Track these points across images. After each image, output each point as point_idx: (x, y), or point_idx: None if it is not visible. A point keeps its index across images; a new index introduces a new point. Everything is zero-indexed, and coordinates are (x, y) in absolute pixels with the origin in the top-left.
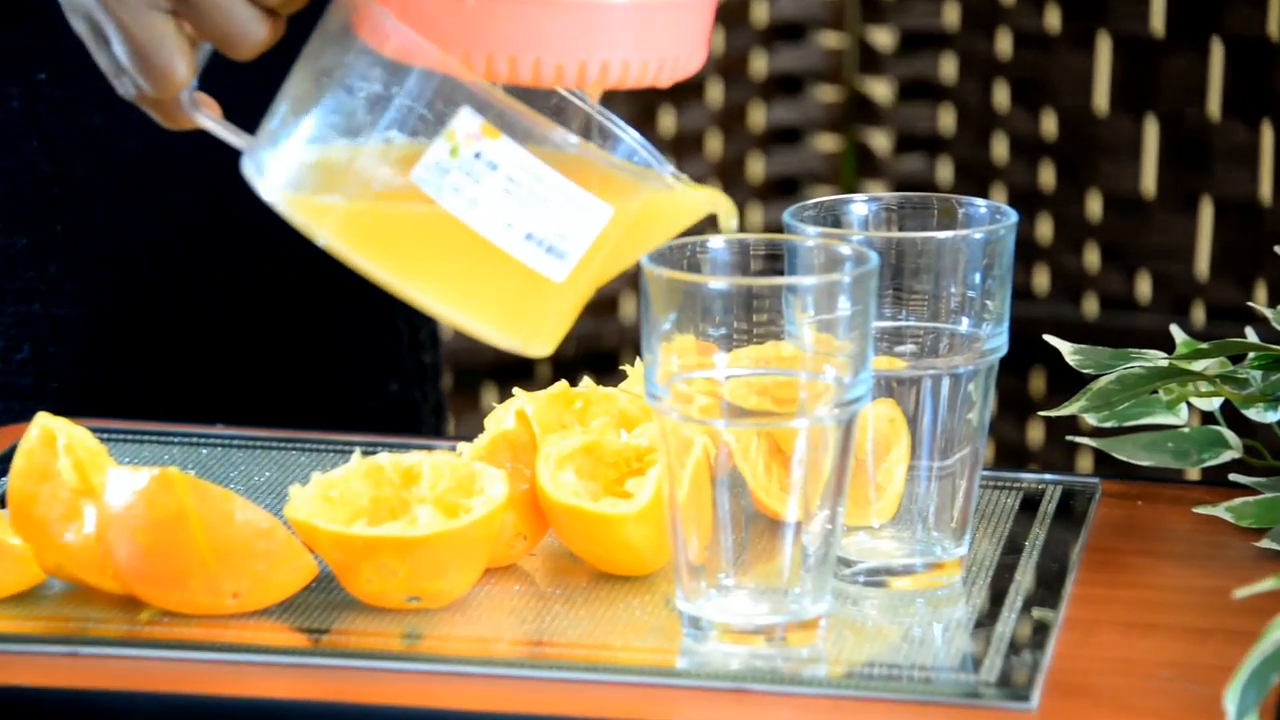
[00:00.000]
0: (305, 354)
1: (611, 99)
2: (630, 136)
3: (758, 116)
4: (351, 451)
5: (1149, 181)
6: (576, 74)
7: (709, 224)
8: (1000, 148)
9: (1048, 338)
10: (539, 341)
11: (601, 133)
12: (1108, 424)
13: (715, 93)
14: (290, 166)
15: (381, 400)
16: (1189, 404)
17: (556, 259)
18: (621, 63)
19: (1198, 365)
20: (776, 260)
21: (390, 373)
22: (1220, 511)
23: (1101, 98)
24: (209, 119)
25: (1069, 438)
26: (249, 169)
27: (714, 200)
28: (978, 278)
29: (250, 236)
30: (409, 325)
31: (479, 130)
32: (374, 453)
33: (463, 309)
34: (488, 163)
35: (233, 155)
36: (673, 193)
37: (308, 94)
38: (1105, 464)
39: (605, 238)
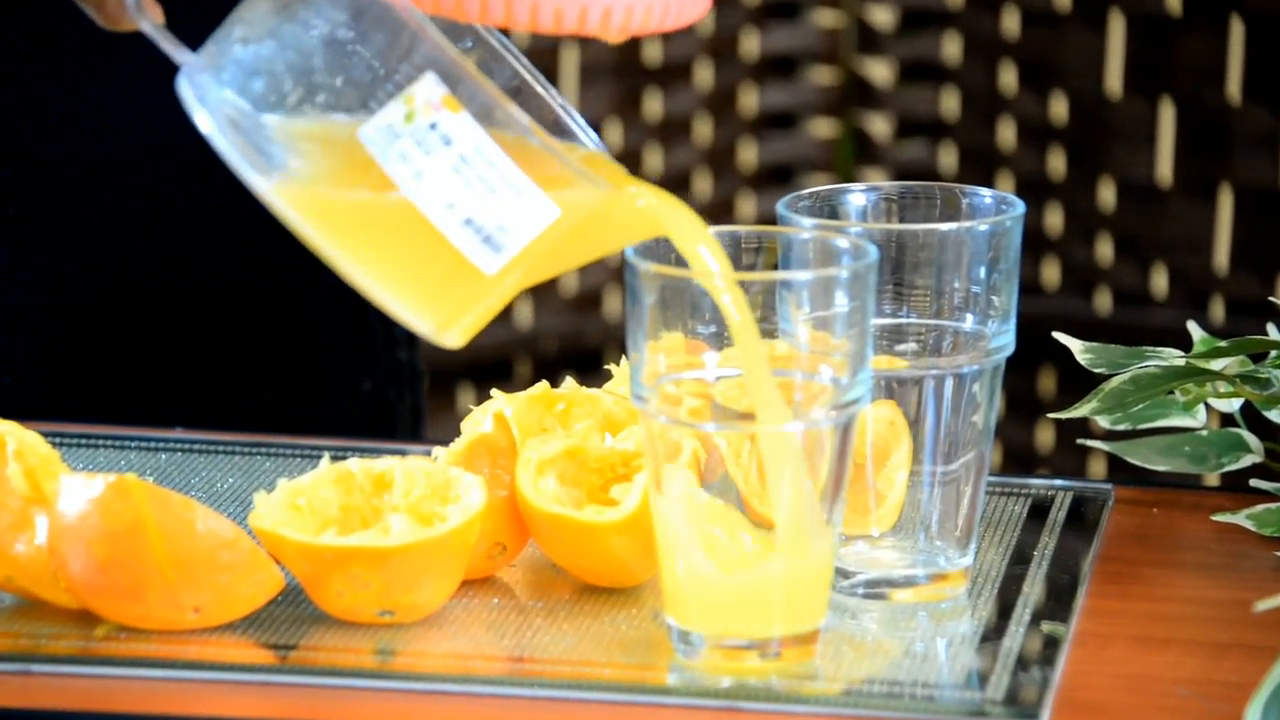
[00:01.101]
0: (271, 350)
1: (592, 83)
2: (588, 136)
3: (749, 100)
4: (320, 456)
5: (1165, 169)
6: (577, 19)
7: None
8: (1007, 133)
9: (1057, 335)
10: (454, 331)
11: (557, 126)
12: (1121, 426)
13: (704, 75)
14: (231, 99)
15: (353, 400)
16: (1207, 405)
17: (492, 251)
18: (625, 8)
19: (1216, 364)
20: (770, 253)
21: (362, 370)
22: (1240, 519)
23: (1115, 80)
24: (151, 25)
25: (1080, 441)
26: (185, 90)
27: (667, 214)
28: (983, 272)
29: (215, 223)
30: (383, 320)
31: (440, 100)
32: (344, 458)
33: (382, 281)
34: (442, 136)
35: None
36: (624, 204)
37: (263, 22)
38: (1118, 469)
39: (545, 238)
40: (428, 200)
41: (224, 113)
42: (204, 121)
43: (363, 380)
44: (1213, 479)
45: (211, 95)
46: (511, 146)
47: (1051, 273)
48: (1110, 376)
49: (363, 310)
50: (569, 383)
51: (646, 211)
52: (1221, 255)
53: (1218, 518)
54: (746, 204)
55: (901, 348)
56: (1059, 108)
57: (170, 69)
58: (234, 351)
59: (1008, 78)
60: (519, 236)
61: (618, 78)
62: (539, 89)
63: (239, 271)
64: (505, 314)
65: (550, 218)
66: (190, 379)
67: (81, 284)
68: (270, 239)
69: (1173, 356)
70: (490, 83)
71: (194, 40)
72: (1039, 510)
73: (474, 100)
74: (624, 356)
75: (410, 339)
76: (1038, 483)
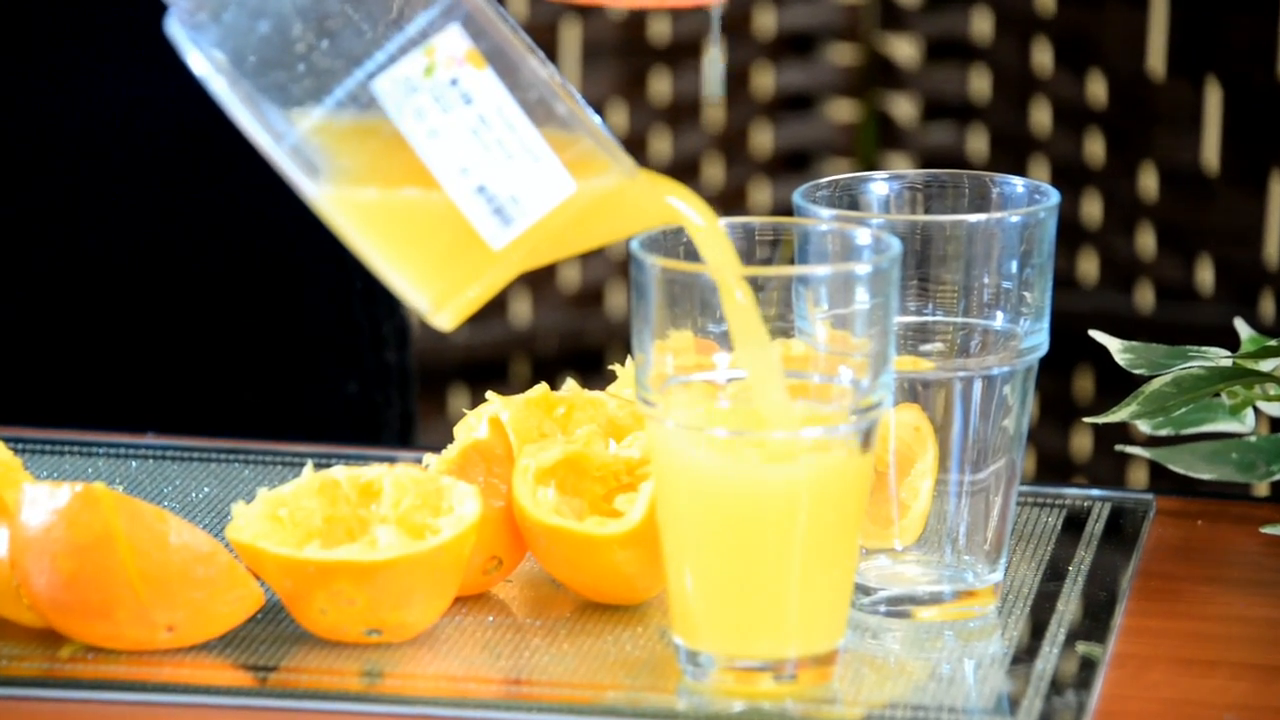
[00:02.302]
0: (248, 349)
1: (595, 62)
2: (593, 120)
3: (764, 80)
4: (303, 464)
5: (1211, 155)
6: None
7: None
8: (1041, 116)
9: (1094, 334)
10: (449, 309)
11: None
12: (1163, 432)
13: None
14: (231, 39)
15: (338, 404)
16: (1256, 409)
17: (501, 223)
18: None
19: (1266, 365)
20: (785, 246)
21: (347, 372)
22: None
23: (1157, 59)
24: None
25: (1119, 448)
26: (177, 31)
27: (680, 203)
28: (1015, 266)
29: (187, 215)
30: (370, 319)
31: (463, 55)
32: (328, 465)
33: (381, 246)
34: (463, 94)
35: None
36: (639, 189)
37: None
38: (1160, 477)
39: (557, 215)
40: (440, 162)
41: (222, 55)
42: (199, 64)
43: (348, 382)
44: (1262, 488)
45: (208, 37)
46: (533, 110)
47: (1089, 266)
48: (1151, 378)
49: (347, 307)
50: (569, 385)
51: (665, 204)
52: (1272, 247)
53: (1267, 530)
54: (760, 192)
55: (927, 348)
56: (1097, 89)
57: (147, 60)
58: (208, 350)
59: (1042, 56)
60: (531, 210)
61: (622, 56)
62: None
63: (214, 268)
64: (501, 310)
65: (565, 193)
66: (162, 380)
67: (47, 280)
68: (247, 232)
69: (1219, 356)
70: (519, 40)
71: None
72: (1074, 522)
73: (499, 57)
74: (629, 356)
75: (400, 339)
76: (1073, 492)
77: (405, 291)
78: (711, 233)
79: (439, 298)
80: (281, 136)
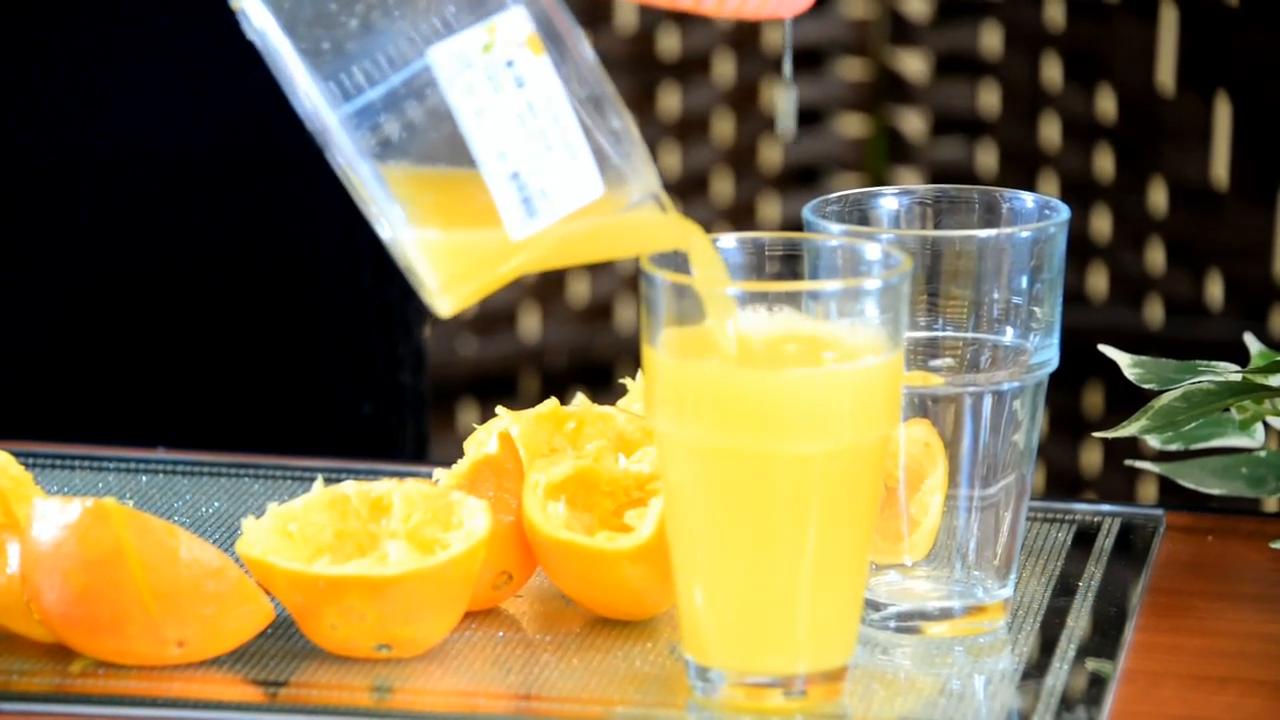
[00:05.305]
0: (265, 369)
1: (607, 74)
2: (633, 130)
3: (774, 95)
4: (313, 478)
5: (1220, 170)
6: None
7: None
8: (1051, 131)
9: (1104, 349)
10: (453, 296)
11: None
12: (1173, 447)
13: (725, 68)
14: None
15: (353, 425)
16: (1265, 424)
17: (526, 215)
18: None
19: (1275, 380)
20: (795, 262)
21: (363, 393)
22: None
23: (1167, 74)
24: None
25: (1128, 463)
26: None
27: (685, 235)
28: (1024, 281)
29: (205, 234)
30: (386, 341)
31: (524, 39)
32: (338, 480)
33: (413, 218)
34: (516, 77)
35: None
36: (657, 214)
37: None
38: (1170, 492)
39: (578, 217)
40: (481, 141)
41: (277, 10)
42: (253, 7)
43: (364, 404)
44: (1272, 503)
45: None
46: (580, 107)
47: (1098, 282)
48: (1161, 393)
49: (364, 329)
50: (579, 399)
51: (682, 238)
52: None
53: (1278, 545)
54: (770, 207)
55: (937, 363)
56: (1107, 104)
57: (169, 78)
58: (222, 370)
59: (1052, 71)
60: (558, 206)
61: (632, 71)
62: None
63: (228, 285)
64: (510, 325)
65: (592, 196)
66: (177, 398)
67: (61, 295)
68: (265, 251)
69: (1228, 371)
70: (581, 36)
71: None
72: (1084, 537)
73: (557, 46)
74: (639, 371)
75: (416, 362)
76: (1083, 508)
77: (419, 270)
78: (708, 256)
79: (447, 281)
80: (335, 104)
